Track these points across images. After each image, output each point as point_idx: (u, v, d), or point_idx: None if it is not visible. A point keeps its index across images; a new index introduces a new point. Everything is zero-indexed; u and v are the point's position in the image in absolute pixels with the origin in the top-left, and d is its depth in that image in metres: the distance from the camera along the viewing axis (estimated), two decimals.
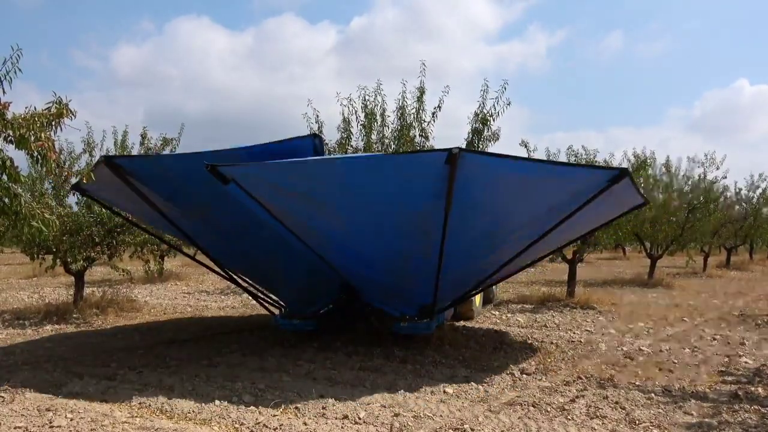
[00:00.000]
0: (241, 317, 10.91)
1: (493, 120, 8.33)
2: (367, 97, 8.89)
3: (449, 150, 5.33)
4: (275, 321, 8.23)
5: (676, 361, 7.22)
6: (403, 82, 8.79)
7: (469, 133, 8.48)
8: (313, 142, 6.76)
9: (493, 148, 8.61)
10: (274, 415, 5.03)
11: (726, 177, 18.22)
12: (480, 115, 8.37)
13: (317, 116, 9.13)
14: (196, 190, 6.61)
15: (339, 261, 7.13)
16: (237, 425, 4.81)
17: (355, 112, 8.90)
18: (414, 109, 8.73)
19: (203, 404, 5.31)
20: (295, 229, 6.71)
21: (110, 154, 6.88)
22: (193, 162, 6.18)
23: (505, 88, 8.32)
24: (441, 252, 6.26)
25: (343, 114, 8.97)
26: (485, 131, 8.42)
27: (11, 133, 5.19)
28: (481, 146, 8.53)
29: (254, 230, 7.07)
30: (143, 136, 11.30)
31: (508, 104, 8.35)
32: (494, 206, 6.28)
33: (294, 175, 6.14)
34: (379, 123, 8.92)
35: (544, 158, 13.81)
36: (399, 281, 7.26)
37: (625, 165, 15.90)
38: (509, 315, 10.88)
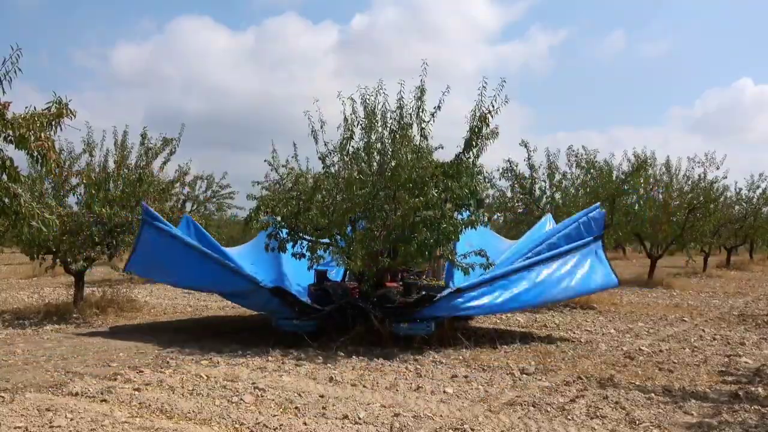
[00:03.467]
0: (241, 317, 10.92)
1: (492, 117, 8.25)
2: (367, 99, 8.83)
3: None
4: (275, 321, 8.24)
5: (676, 361, 7.22)
6: (400, 82, 8.73)
7: (467, 132, 8.44)
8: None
9: (492, 146, 8.57)
10: (274, 415, 5.04)
11: (726, 177, 18.28)
12: (478, 114, 8.30)
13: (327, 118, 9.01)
14: None
15: None
16: (237, 425, 4.81)
17: (354, 111, 8.84)
18: (414, 109, 8.67)
19: (203, 404, 5.31)
20: None
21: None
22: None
23: (503, 86, 8.25)
24: None
25: (343, 114, 8.91)
26: (484, 129, 8.36)
27: (11, 133, 5.21)
28: (479, 144, 8.48)
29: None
30: (143, 136, 11.33)
31: (506, 102, 8.28)
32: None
33: None
34: (379, 123, 8.86)
35: (545, 160, 14.79)
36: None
37: (624, 165, 16.02)
38: (509, 315, 10.87)
